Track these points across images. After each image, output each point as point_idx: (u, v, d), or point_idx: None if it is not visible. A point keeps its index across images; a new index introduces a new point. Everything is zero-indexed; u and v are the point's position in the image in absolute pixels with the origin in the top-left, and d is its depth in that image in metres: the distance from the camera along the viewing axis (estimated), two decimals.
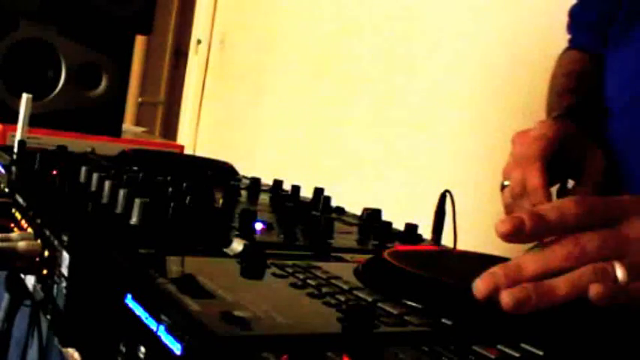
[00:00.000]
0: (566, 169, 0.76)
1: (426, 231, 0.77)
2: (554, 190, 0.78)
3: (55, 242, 0.56)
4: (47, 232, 0.59)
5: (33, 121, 1.00)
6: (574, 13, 0.96)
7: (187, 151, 1.72)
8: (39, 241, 0.61)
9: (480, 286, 0.46)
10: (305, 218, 0.73)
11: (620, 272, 0.46)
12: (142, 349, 0.42)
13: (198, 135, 2.81)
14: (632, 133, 0.78)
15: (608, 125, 0.81)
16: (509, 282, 0.45)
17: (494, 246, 0.84)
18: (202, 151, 2.49)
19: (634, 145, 0.77)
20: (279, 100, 2.26)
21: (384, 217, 0.80)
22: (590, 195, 0.74)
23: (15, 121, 0.99)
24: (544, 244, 0.49)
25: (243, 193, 0.91)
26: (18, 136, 0.97)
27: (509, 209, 0.74)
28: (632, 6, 0.83)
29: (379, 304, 0.45)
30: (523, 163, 0.71)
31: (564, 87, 0.89)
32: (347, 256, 0.62)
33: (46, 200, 0.67)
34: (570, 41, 0.97)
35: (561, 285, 0.45)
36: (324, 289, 0.47)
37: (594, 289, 0.45)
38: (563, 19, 0.99)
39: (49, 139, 1.14)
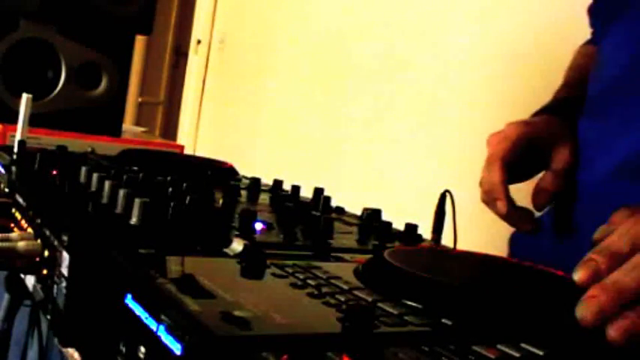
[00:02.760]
0: (539, 163, 0.81)
1: (426, 231, 0.77)
2: (526, 184, 0.82)
3: (55, 242, 0.56)
4: (47, 232, 0.59)
5: (33, 121, 1.00)
6: (590, 10, 0.97)
7: (187, 151, 1.72)
8: (39, 241, 0.61)
9: (587, 314, 0.45)
10: (305, 218, 0.73)
11: None
12: (142, 349, 0.42)
13: (198, 135, 2.81)
14: (595, 123, 0.80)
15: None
16: (613, 308, 0.45)
17: (494, 246, 0.85)
18: (202, 151, 2.50)
19: (596, 135, 0.79)
20: (279, 100, 2.26)
21: (384, 217, 0.80)
22: (555, 183, 0.79)
23: (15, 121, 0.99)
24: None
25: (243, 193, 0.91)
26: (18, 136, 0.97)
27: (486, 204, 0.80)
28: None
29: (379, 304, 0.45)
30: (488, 163, 0.78)
31: (566, 80, 0.93)
32: (347, 256, 0.61)
33: (46, 200, 0.67)
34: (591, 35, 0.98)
35: None
36: (324, 289, 0.47)
37: None
38: (565, 18, 0.99)
39: (49, 139, 1.14)
